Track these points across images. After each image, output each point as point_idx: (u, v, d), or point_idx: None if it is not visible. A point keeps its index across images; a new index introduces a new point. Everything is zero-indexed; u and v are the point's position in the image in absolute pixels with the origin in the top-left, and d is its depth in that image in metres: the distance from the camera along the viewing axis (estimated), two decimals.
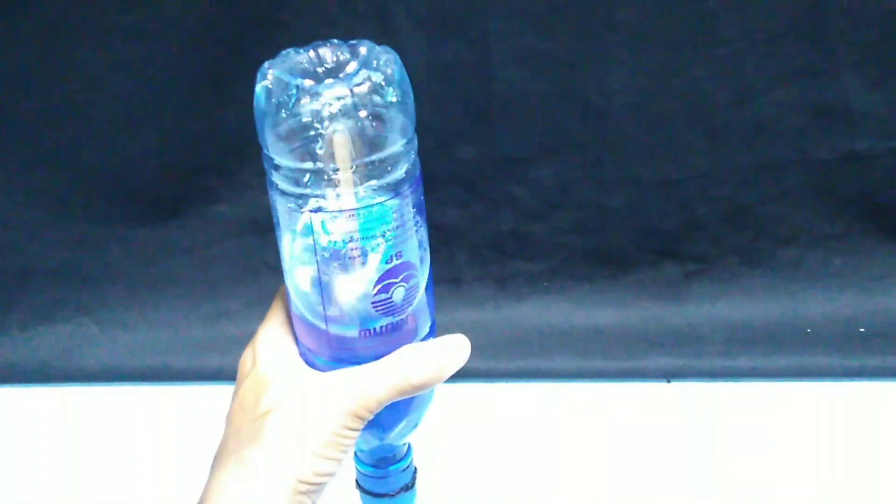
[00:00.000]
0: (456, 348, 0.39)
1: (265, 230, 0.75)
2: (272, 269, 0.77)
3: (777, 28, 0.66)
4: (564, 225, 0.75)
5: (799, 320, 0.74)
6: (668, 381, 0.71)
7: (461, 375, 0.39)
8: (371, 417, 0.36)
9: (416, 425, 0.43)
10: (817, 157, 0.71)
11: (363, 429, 0.37)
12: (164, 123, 0.71)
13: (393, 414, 0.40)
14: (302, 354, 0.39)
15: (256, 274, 0.77)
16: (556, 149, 0.72)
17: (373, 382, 0.36)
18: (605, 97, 0.69)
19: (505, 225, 0.75)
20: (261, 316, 0.86)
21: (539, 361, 0.73)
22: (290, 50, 0.37)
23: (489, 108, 0.70)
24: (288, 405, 0.36)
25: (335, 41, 0.37)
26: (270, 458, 0.35)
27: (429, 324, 0.41)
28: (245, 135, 0.72)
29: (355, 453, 0.44)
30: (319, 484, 0.36)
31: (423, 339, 0.40)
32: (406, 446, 0.44)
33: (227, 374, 0.74)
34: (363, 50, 0.36)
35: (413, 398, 0.40)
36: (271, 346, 0.40)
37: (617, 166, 0.72)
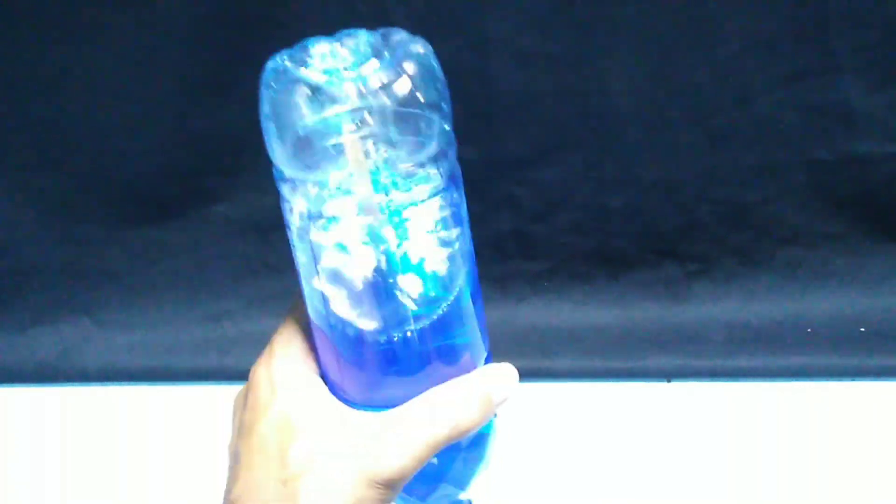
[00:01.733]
0: (504, 375, 0.36)
1: (265, 230, 0.75)
2: (272, 269, 0.77)
3: (778, 29, 0.66)
4: (564, 225, 0.75)
5: (799, 320, 0.74)
6: (668, 381, 0.71)
7: None
8: (410, 477, 0.34)
9: (466, 484, 0.39)
10: (818, 158, 0.71)
11: (407, 494, 0.35)
12: (164, 123, 0.71)
13: (438, 473, 0.37)
14: (328, 384, 0.36)
15: (256, 274, 0.77)
16: (556, 149, 0.72)
17: (414, 435, 0.33)
18: (605, 97, 0.69)
19: (505, 225, 0.75)
20: (261, 316, 0.86)
21: (539, 361, 0.73)
22: (311, 40, 0.33)
23: (489, 108, 0.70)
24: (320, 471, 0.33)
25: (362, 31, 0.33)
26: None
27: (484, 355, 0.37)
28: (245, 135, 0.72)
29: None
30: None
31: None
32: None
33: (227, 374, 0.75)
34: (390, 41, 0.32)
35: (457, 456, 0.36)
36: (293, 373, 0.36)
37: (617, 166, 0.72)
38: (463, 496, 0.39)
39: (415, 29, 0.69)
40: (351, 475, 0.33)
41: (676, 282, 0.76)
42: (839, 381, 0.69)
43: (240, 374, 0.77)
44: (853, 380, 0.69)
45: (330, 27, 0.69)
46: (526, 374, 0.72)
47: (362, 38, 0.33)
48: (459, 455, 0.37)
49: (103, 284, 0.78)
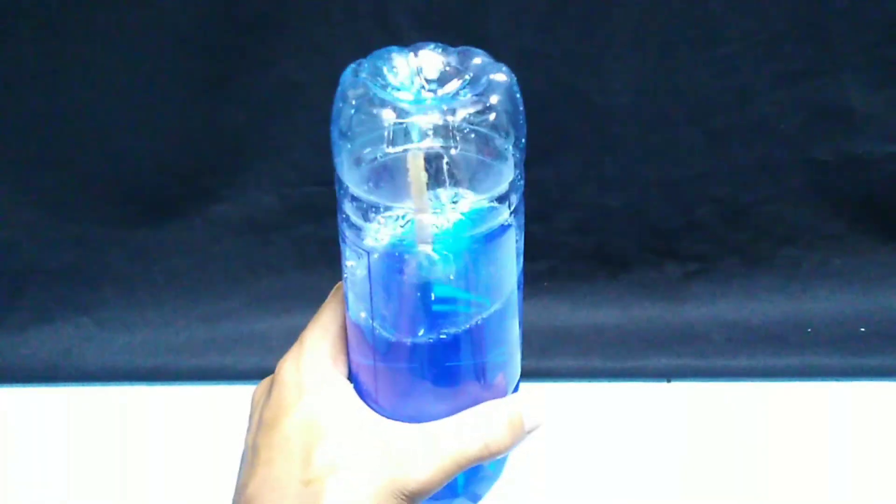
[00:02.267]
0: (536, 404, 0.35)
1: (265, 230, 0.75)
2: (272, 269, 0.77)
3: (777, 28, 0.66)
4: (564, 225, 0.75)
5: (799, 320, 0.74)
6: (668, 381, 0.71)
7: None
8: (434, 492, 0.33)
9: (479, 498, 0.39)
10: (818, 158, 0.71)
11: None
12: (164, 123, 0.71)
13: (455, 490, 0.36)
14: (358, 389, 0.35)
15: (256, 274, 0.77)
16: (556, 149, 0.72)
17: (444, 450, 0.33)
18: (605, 97, 0.69)
19: None
20: (261, 316, 0.86)
21: (539, 361, 0.73)
22: (386, 51, 0.31)
23: None
24: (345, 475, 0.32)
25: (439, 45, 0.31)
26: None
27: (516, 381, 0.37)
28: (245, 135, 0.72)
29: None
30: None
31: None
32: None
33: (227, 374, 0.75)
34: (469, 63, 0.31)
35: (476, 474, 0.36)
36: (322, 373, 0.35)
37: (617, 166, 0.72)
38: None
39: (415, 28, 0.70)
40: (377, 483, 0.32)
41: (676, 282, 0.76)
42: (839, 381, 0.69)
43: (240, 374, 0.77)
44: (853, 380, 0.69)
45: (330, 27, 0.69)
46: (526, 374, 0.72)
47: (440, 57, 0.31)
48: (480, 473, 0.37)
49: (103, 284, 0.78)
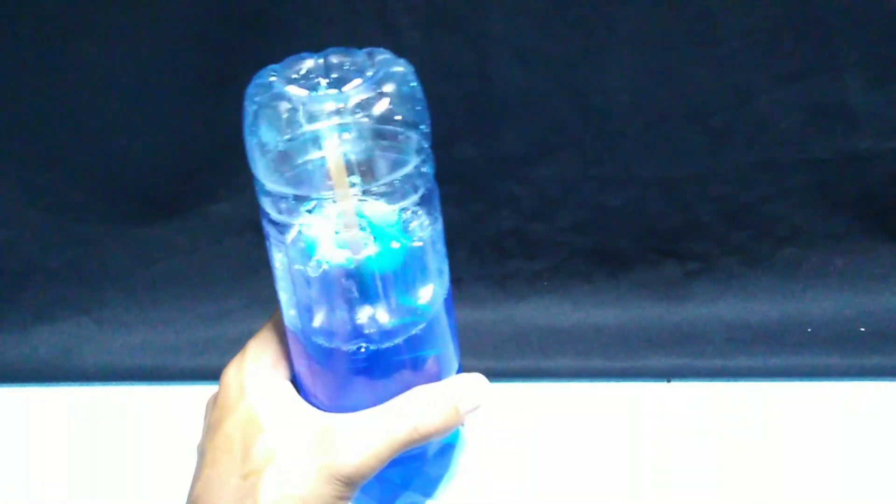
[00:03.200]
0: (472, 387, 0.36)
1: None
2: (272, 269, 0.77)
3: (777, 27, 0.66)
4: (564, 224, 0.75)
5: (799, 320, 0.74)
6: (668, 381, 0.71)
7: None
8: (369, 477, 0.34)
9: (431, 494, 0.39)
10: (818, 157, 0.71)
11: (371, 500, 0.35)
12: (164, 123, 0.71)
13: (403, 480, 0.37)
14: (300, 390, 0.36)
15: (256, 274, 0.77)
16: (556, 148, 0.72)
17: (375, 434, 0.33)
18: (605, 96, 0.69)
19: (505, 224, 0.75)
20: (261, 316, 0.87)
21: (539, 361, 0.73)
22: (297, 56, 0.33)
23: (489, 106, 0.70)
24: (281, 464, 0.33)
25: (349, 49, 0.33)
26: None
27: (455, 366, 0.37)
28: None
29: None
30: None
31: None
32: None
33: None
34: (374, 60, 0.32)
35: (423, 465, 0.37)
36: (263, 376, 0.37)
37: (617, 165, 0.72)
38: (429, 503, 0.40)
39: (415, 27, 0.70)
40: (312, 469, 0.33)
41: (676, 281, 0.76)
42: (839, 381, 0.69)
43: None
44: (853, 380, 0.69)
45: (330, 26, 0.69)
46: (526, 374, 0.72)
47: (348, 57, 0.33)
48: (425, 464, 0.37)
49: (103, 284, 0.78)
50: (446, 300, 0.36)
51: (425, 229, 0.33)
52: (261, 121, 0.32)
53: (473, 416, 0.36)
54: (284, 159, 0.32)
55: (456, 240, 0.76)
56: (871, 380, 0.69)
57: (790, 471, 0.62)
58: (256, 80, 0.33)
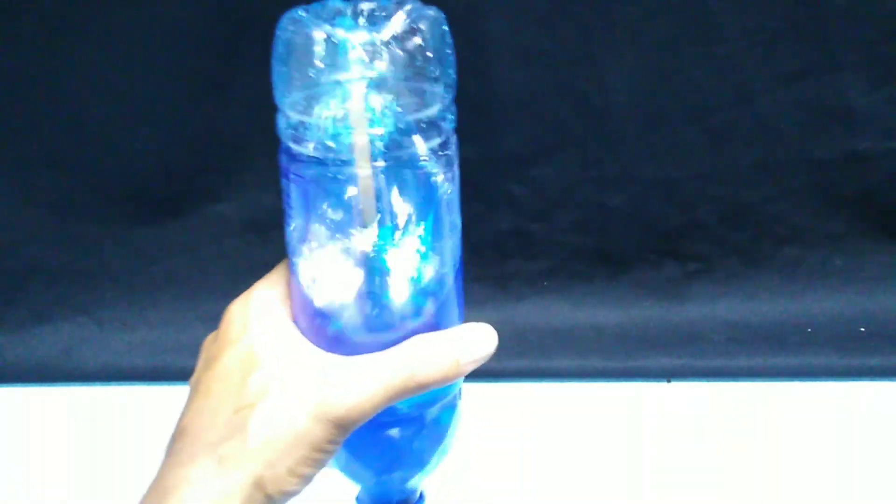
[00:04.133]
0: (476, 339, 0.35)
1: (265, 230, 0.75)
2: (272, 269, 0.77)
3: (777, 27, 0.66)
4: (564, 224, 0.75)
5: (799, 320, 0.74)
6: (668, 381, 0.71)
7: None
8: (361, 422, 0.33)
9: (424, 465, 0.38)
10: (818, 157, 0.71)
11: (362, 465, 0.34)
12: (164, 123, 0.71)
13: (396, 444, 0.36)
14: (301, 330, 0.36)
15: (256, 274, 0.77)
16: (555, 147, 0.72)
17: (371, 378, 0.33)
18: (605, 96, 0.69)
19: (505, 224, 0.75)
20: None
21: (539, 361, 0.73)
22: (328, 1, 0.33)
23: (489, 106, 0.70)
24: (273, 400, 0.33)
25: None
26: (255, 472, 0.32)
27: (457, 316, 0.37)
28: (245, 134, 0.72)
29: (356, 498, 0.40)
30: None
31: None
32: (418, 494, 0.40)
33: None
34: (404, 7, 0.33)
35: (420, 431, 0.36)
36: (269, 313, 0.36)
37: (617, 165, 0.72)
38: (417, 484, 0.39)
39: None
40: (304, 408, 0.32)
41: (676, 282, 0.76)
42: (839, 381, 0.69)
43: None
44: (853, 380, 0.69)
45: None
46: (526, 374, 0.72)
47: (377, 4, 0.33)
48: (423, 429, 0.37)
49: (103, 284, 0.78)
50: (459, 265, 0.36)
51: (443, 184, 0.34)
52: (291, 48, 0.32)
53: (474, 366, 0.35)
54: (311, 86, 0.32)
55: None
56: (871, 380, 0.69)
57: (790, 471, 0.62)
58: (287, 15, 0.33)
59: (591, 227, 0.75)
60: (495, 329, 0.37)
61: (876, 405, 0.67)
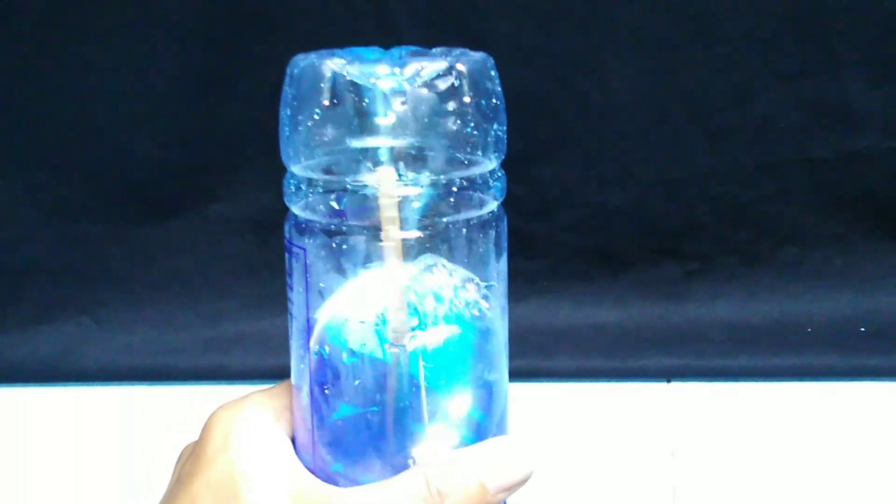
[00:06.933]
0: (502, 463, 0.29)
1: (265, 230, 0.75)
2: (272, 269, 0.77)
3: (777, 27, 0.66)
4: (564, 224, 0.75)
5: (799, 320, 0.74)
6: (668, 381, 0.71)
7: None
8: None
9: None
10: (818, 157, 0.71)
11: None
12: (163, 122, 0.71)
13: None
14: (299, 455, 0.31)
15: (256, 274, 0.77)
16: (555, 147, 0.72)
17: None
18: (605, 96, 0.69)
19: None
20: (261, 316, 0.87)
21: (539, 361, 0.73)
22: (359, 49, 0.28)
23: None
24: None
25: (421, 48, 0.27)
26: None
27: (493, 427, 0.31)
28: (245, 134, 0.72)
29: None
30: None
31: None
32: None
33: (227, 374, 0.75)
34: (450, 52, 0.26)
35: None
36: (258, 427, 0.30)
37: (617, 165, 0.72)
38: None
39: (415, 27, 0.70)
40: None
41: (676, 281, 0.76)
42: (839, 381, 0.69)
43: (240, 374, 0.77)
44: (853, 380, 0.69)
45: (330, 26, 0.69)
46: (526, 374, 0.72)
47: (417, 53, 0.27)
48: None
49: (103, 284, 0.78)
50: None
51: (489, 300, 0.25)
52: (305, 95, 0.26)
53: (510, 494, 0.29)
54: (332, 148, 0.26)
55: None
56: (871, 380, 0.69)
57: (790, 471, 0.62)
58: (301, 61, 0.28)
59: (592, 227, 0.75)
60: None
61: (876, 405, 0.67)
